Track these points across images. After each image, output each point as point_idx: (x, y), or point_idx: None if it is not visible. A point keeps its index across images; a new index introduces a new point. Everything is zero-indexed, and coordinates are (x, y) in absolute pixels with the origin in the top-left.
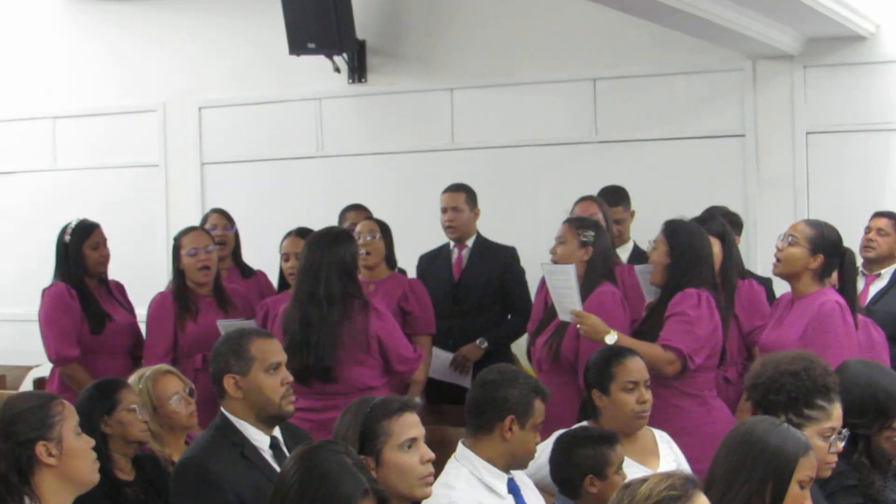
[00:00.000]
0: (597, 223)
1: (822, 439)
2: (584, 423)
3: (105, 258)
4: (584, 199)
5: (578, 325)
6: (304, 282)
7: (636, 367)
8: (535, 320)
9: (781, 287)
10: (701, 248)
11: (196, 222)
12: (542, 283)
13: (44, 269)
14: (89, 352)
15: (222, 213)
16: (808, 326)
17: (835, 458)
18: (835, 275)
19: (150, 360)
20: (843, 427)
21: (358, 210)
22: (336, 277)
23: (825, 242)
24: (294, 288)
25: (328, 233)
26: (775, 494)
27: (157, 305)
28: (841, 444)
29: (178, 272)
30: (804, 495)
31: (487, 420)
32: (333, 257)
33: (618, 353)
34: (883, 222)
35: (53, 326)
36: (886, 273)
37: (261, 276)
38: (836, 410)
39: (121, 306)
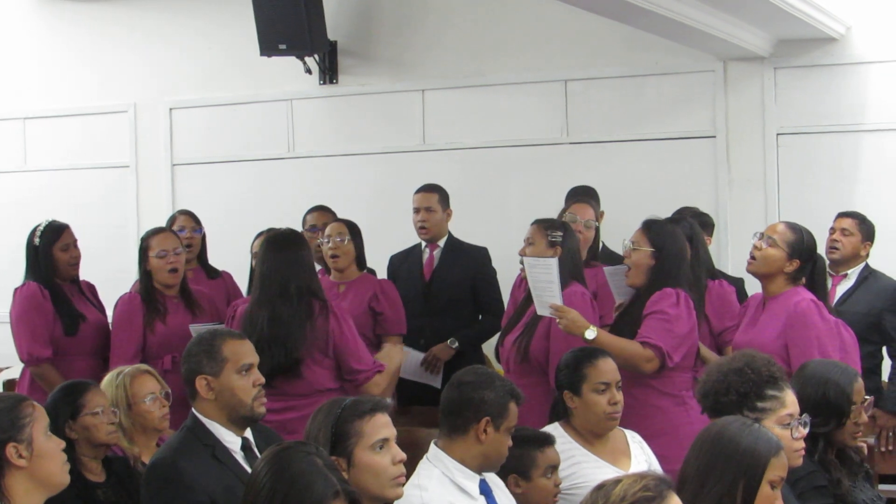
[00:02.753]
0: (565, 224)
1: (782, 427)
2: (556, 424)
3: (76, 259)
4: (577, 201)
5: (558, 320)
6: (272, 282)
7: (608, 369)
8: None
9: (753, 288)
10: (682, 249)
11: (166, 224)
12: (516, 284)
13: (14, 271)
14: (62, 353)
15: (190, 216)
16: (786, 326)
17: (801, 444)
18: None
19: (118, 361)
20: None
21: (320, 212)
22: (302, 276)
23: (803, 248)
24: (258, 290)
25: (285, 235)
26: (746, 494)
27: (124, 307)
28: (804, 430)
29: (146, 273)
30: (775, 495)
31: (463, 421)
32: (297, 257)
33: (589, 354)
34: (847, 223)
35: (25, 326)
36: (853, 273)
37: (227, 277)
38: (789, 397)
39: (94, 307)
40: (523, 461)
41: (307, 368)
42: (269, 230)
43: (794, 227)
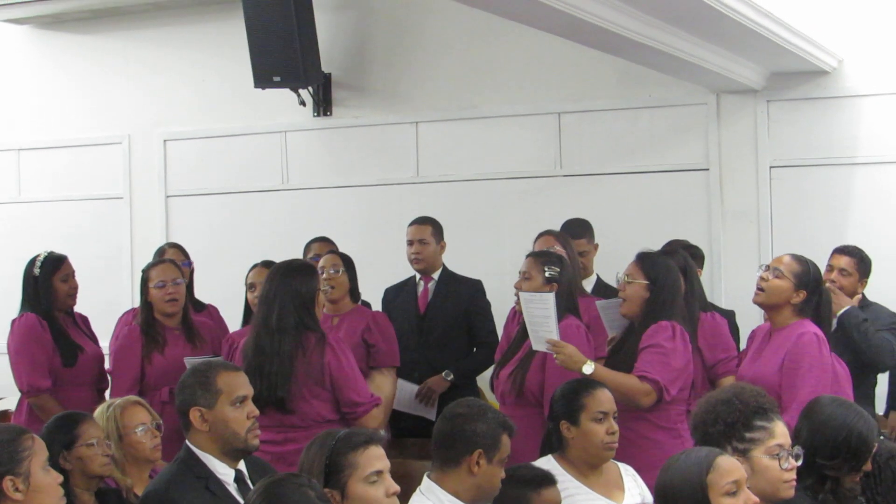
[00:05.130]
0: (561, 258)
1: (770, 458)
2: (549, 457)
3: (74, 290)
4: (544, 233)
5: (555, 355)
6: (259, 311)
7: (606, 398)
8: (502, 353)
9: (744, 319)
10: (676, 281)
11: (154, 256)
12: (509, 318)
13: (7, 301)
14: (60, 384)
15: (179, 248)
16: (785, 356)
17: (791, 475)
18: None
19: (117, 392)
20: (812, 465)
21: (323, 242)
22: (291, 308)
23: (810, 279)
24: (253, 317)
25: (289, 264)
26: None
27: (124, 338)
28: (795, 461)
29: (146, 304)
30: (741, 499)
31: (455, 453)
32: (289, 288)
33: (587, 384)
34: (845, 261)
35: (25, 357)
36: None
37: (212, 310)
38: (779, 427)
39: (88, 338)
40: (519, 502)
41: (302, 402)
42: (264, 262)
43: (799, 259)
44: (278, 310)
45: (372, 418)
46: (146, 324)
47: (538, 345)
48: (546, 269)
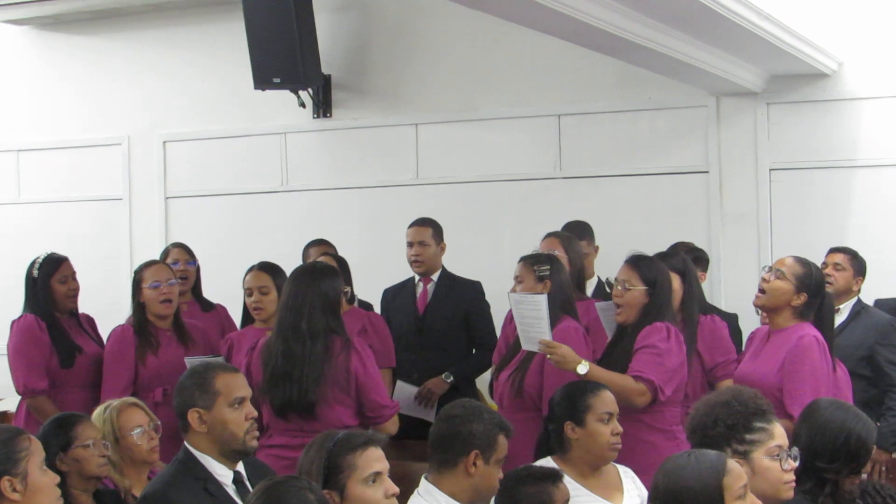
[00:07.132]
0: (551, 257)
1: (771, 459)
2: (549, 459)
3: (74, 292)
4: (547, 235)
5: (549, 356)
6: (287, 316)
7: (610, 399)
8: (501, 354)
9: (745, 321)
10: (670, 282)
11: (159, 256)
12: (507, 320)
13: (8, 303)
14: (58, 385)
15: (184, 248)
16: (785, 358)
17: (791, 476)
18: None
19: (110, 393)
20: (811, 468)
21: (321, 245)
22: (319, 312)
23: (811, 282)
24: (277, 321)
25: (312, 267)
26: None
27: (116, 339)
28: (794, 462)
29: (139, 305)
30: (748, 502)
31: (452, 455)
32: (317, 292)
33: (591, 384)
34: (839, 257)
35: (22, 358)
36: (845, 308)
37: (221, 310)
38: (778, 429)
39: (91, 339)
40: (543, 498)
41: (325, 407)
42: (261, 264)
43: (802, 261)
44: (308, 314)
45: (394, 423)
46: (139, 325)
47: (528, 345)
48: (535, 269)
